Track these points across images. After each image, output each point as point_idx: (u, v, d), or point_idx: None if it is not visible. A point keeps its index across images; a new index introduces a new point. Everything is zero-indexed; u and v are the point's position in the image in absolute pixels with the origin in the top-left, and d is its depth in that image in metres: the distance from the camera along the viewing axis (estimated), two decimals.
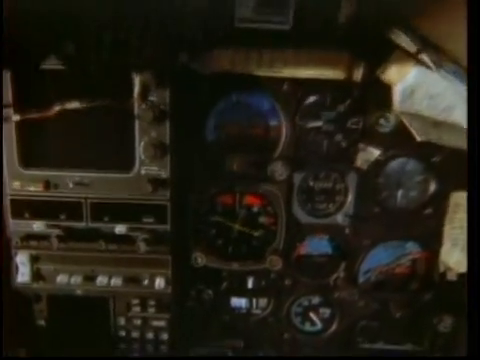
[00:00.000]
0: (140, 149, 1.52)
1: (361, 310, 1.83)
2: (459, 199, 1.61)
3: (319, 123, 1.61)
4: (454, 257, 1.67)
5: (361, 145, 1.61)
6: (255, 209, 1.79)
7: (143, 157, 1.54)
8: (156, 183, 1.56)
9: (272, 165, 1.60)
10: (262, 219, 1.80)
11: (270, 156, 1.66)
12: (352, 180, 1.68)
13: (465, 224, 1.62)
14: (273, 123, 1.66)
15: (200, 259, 1.78)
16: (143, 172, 1.57)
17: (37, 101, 1.46)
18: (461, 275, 1.69)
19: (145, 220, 1.63)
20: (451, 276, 1.71)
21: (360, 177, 1.67)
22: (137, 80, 1.45)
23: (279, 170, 1.59)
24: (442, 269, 1.71)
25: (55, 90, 1.48)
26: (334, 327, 1.89)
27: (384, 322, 1.84)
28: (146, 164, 1.56)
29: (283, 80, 1.53)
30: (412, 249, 1.79)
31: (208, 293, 1.90)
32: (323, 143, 1.64)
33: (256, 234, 1.81)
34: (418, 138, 1.45)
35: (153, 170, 1.57)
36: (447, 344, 1.82)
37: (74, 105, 1.44)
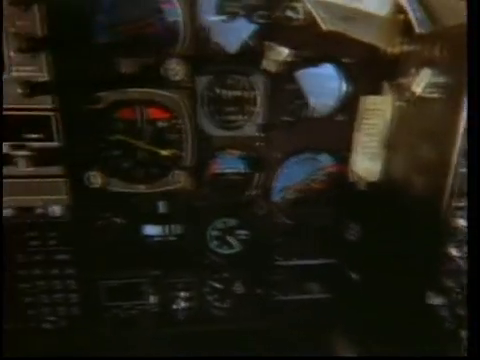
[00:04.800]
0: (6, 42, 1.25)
1: (277, 228, 1.79)
2: (368, 105, 1.55)
3: (223, 17, 1.43)
4: (363, 166, 1.64)
5: (267, 43, 1.45)
6: (161, 124, 1.62)
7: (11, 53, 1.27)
8: (30, 87, 1.31)
9: (166, 64, 1.39)
10: (171, 136, 1.63)
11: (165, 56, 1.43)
12: (260, 85, 1.54)
13: (375, 131, 1.59)
14: (171, 18, 1.44)
15: (100, 179, 1.59)
16: (14, 74, 1.31)
17: None
18: (370, 184, 1.67)
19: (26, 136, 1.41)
20: (362, 186, 1.69)
21: (269, 82, 1.54)
22: None
23: (174, 69, 1.39)
24: (352, 179, 1.69)
25: None
26: (252, 247, 1.84)
27: (299, 238, 1.82)
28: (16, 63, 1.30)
29: None
30: (326, 162, 1.75)
31: (116, 221, 1.75)
32: (227, 40, 1.47)
33: (164, 153, 1.65)
34: (324, 27, 1.33)
35: (25, 71, 1.31)
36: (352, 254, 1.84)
37: None
